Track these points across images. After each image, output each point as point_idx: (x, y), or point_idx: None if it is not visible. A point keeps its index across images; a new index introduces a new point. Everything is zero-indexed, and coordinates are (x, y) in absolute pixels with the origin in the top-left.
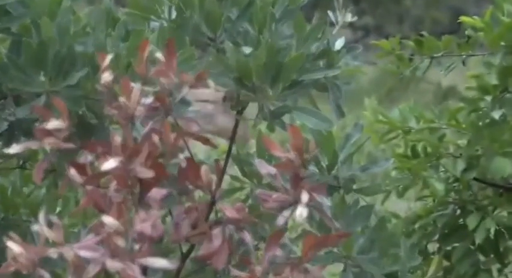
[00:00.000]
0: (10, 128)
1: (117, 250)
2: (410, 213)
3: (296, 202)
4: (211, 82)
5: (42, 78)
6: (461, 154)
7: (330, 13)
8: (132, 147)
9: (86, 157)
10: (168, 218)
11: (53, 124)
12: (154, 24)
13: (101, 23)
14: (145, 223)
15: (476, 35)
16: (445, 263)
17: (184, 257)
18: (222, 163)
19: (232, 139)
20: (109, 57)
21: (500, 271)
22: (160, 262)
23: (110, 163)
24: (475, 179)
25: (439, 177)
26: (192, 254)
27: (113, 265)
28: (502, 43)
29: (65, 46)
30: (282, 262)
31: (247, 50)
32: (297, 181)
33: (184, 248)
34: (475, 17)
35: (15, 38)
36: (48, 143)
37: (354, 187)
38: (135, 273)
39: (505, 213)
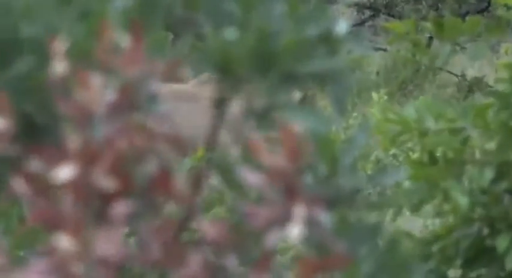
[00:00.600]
0: None
1: (73, 277)
2: (427, 232)
3: (289, 218)
4: (187, 73)
5: None
6: (489, 161)
7: None
8: (91, 152)
9: (34, 165)
10: (135, 238)
11: None
12: (118, 2)
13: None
14: (107, 244)
15: (509, 15)
16: None
17: None
18: (200, 171)
19: (212, 143)
20: (63, 43)
21: None
22: None
23: (63, 172)
24: (506, 191)
25: (463, 188)
26: None
27: None
28: None
29: (7, 28)
30: None
31: (231, 34)
32: (291, 193)
33: (154, 275)
34: None
35: None
36: None
37: (359, 200)
38: None
39: None
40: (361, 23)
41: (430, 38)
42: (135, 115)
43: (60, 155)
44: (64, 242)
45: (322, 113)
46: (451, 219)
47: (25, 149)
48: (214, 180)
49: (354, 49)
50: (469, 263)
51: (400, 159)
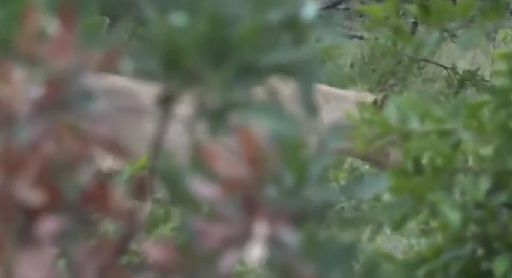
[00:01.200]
0: None
1: None
2: (412, 254)
3: (248, 237)
4: (128, 65)
5: None
6: (485, 169)
7: None
8: (13, 158)
9: None
10: (65, 261)
11: None
12: None
13: None
14: (32, 268)
15: None
16: None
17: None
18: (142, 182)
19: (156, 149)
20: None
21: None
22: None
23: None
24: (505, 205)
25: (454, 201)
26: None
27: None
28: None
29: None
30: None
31: (178, 19)
32: (250, 207)
33: None
34: None
35: None
36: None
37: (331, 216)
38: None
39: None
40: (332, 6)
41: (415, 23)
42: (65, 114)
43: None
44: None
45: (288, 113)
46: (439, 238)
47: None
48: (159, 193)
49: (324, 36)
50: None
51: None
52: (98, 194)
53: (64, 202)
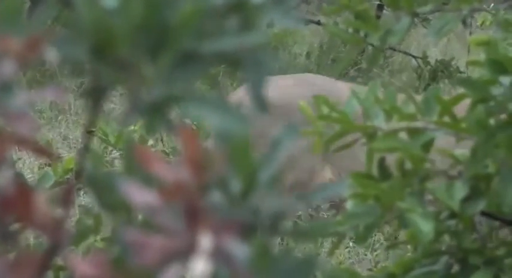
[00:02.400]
0: None
1: None
2: (378, 269)
3: (192, 250)
4: (52, 54)
5: None
6: (460, 173)
7: None
8: None
9: None
10: None
11: None
12: None
13: None
14: None
15: None
16: None
17: None
18: (68, 187)
19: (84, 149)
20: None
21: None
22: None
23: None
24: (483, 214)
25: (425, 210)
26: None
27: None
28: None
29: None
30: None
31: (110, 2)
32: (193, 216)
33: None
34: None
35: None
36: None
37: (285, 226)
38: None
39: None
40: None
41: (380, 6)
42: None
43: None
44: None
45: (236, 108)
46: (410, 252)
47: None
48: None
49: (277, 21)
50: None
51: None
52: (19, 200)
53: None
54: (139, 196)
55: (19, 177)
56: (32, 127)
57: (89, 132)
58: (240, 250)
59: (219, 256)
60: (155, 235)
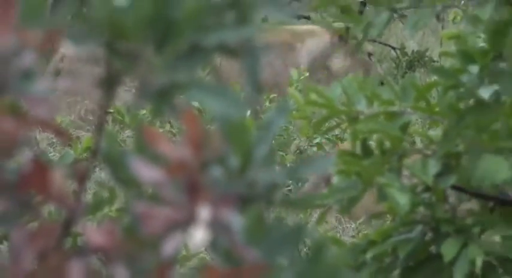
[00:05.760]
0: None
1: None
2: (360, 237)
3: (192, 220)
4: (69, 46)
5: None
6: (434, 152)
7: None
8: None
9: None
10: (4, 245)
11: None
12: None
13: None
14: None
15: None
16: None
17: None
18: (85, 164)
19: (99, 130)
20: None
21: None
22: None
23: None
24: (453, 187)
25: (402, 184)
26: None
27: None
28: None
29: None
30: None
31: None
32: (194, 190)
33: None
34: None
35: None
36: None
37: (277, 198)
38: None
39: (497, 237)
40: None
41: (362, 3)
42: (4, 95)
43: None
44: None
45: (234, 93)
46: (388, 222)
47: None
48: (103, 175)
49: (271, 15)
50: (409, 274)
51: (327, 149)
52: (38, 176)
53: (3, 185)
54: (147, 172)
55: (42, 155)
56: (52, 111)
57: (106, 113)
58: (236, 220)
59: (217, 225)
60: (160, 207)
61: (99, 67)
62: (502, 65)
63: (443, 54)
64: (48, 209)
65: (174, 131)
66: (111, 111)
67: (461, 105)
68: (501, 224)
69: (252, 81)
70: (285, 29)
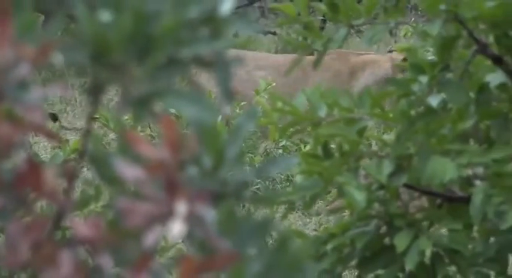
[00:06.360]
0: None
1: None
2: (321, 231)
3: (170, 214)
4: (59, 58)
5: None
6: (387, 154)
7: None
8: None
9: None
10: (0, 237)
11: None
12: None
13: None
14: None
15: None
16: None
17: None
18: (73, 164)
19: (87, 133)
20: None
21: None
22: None
23: None
24: (405, 186)
25: (359, 183)
26: None
27: None
28: (442, 7)
29: None
30: None
31: (106, 16)
32: (172, 187)
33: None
34: None
35: None
36: None
37: (247, 195)
38: None
39: (444, 231)
40: (248, 4)
41: (323, 20)
42: (1, 103)
43: None
44: None
45: (208, 100)
46: (346, 216)
47: None
48: (90, 174)
49: (241, 32)
50: (365, 264)
51: (292, 151)
52: (31, 175)
53: (0, 183)
54: (129, 171)
55: (35, 156)
56: (44, 117)
57: (92, 119)
58: (209, 214)
59: (193, 219)
60: (141, 203)
61: (87, 77)
62: (449, 75)
63: (396, 66)
64: (41, 205)
65: (153, 134)
66: (97, 116)
67: (412, 112)
68: (448, 218)
69: (224, 89)
70: (353, 56)
